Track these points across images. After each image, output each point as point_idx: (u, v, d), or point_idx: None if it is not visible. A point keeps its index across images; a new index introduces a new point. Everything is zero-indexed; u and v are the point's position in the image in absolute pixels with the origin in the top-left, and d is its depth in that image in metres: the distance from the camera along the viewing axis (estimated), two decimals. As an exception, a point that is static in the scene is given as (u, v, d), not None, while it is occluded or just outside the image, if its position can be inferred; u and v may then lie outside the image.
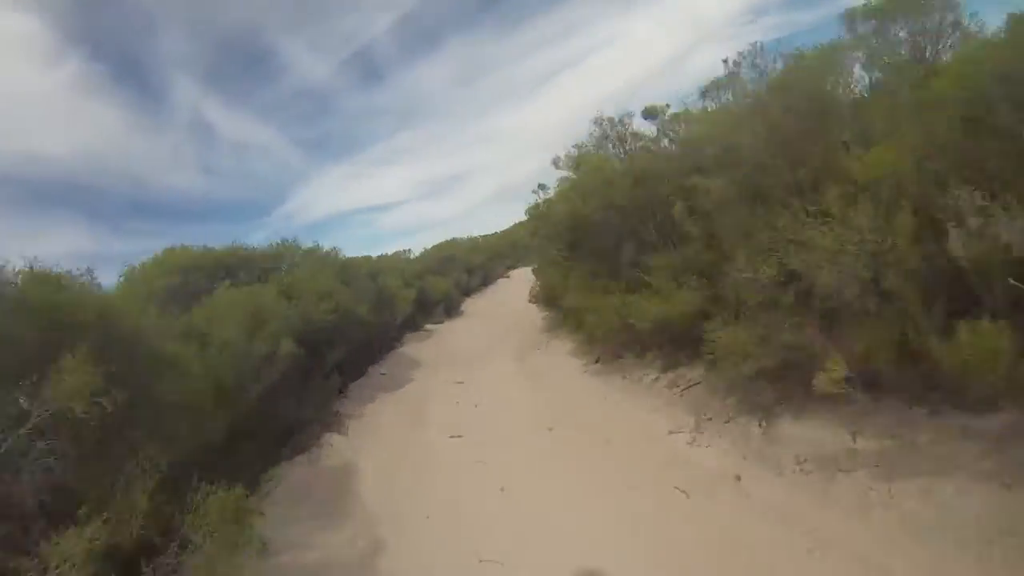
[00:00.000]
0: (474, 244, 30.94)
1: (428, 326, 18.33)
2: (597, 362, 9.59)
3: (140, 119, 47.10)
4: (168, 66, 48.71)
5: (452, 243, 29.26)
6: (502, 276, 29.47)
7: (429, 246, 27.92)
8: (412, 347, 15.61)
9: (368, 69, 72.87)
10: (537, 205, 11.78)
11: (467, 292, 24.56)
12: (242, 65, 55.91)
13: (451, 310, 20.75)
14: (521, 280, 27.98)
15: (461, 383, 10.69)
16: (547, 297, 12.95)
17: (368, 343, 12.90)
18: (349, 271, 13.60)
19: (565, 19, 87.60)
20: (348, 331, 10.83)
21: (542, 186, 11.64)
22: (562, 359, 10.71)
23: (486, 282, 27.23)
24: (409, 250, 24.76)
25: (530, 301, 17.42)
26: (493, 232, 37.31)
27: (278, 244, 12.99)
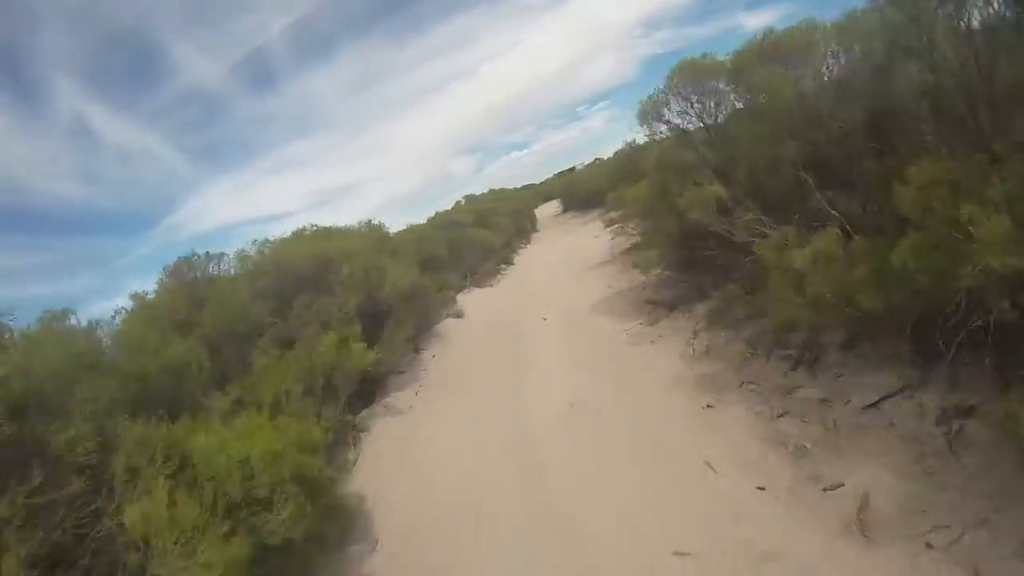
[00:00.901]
0: (382, 238, 14.51)
1: None
2: None
3: (17, 121, 42.86)
4: (49, 66, 44.82)
5: (332, 234, 12.89)
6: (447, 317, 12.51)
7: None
8: None
9: (261, 74, 64.94)
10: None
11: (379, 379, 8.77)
12: (127, 66, 48.81)
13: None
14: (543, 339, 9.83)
15: None
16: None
17: None
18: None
19: (461, 29, 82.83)
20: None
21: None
22: None
23: (419, 347, 10.77)
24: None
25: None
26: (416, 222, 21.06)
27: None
